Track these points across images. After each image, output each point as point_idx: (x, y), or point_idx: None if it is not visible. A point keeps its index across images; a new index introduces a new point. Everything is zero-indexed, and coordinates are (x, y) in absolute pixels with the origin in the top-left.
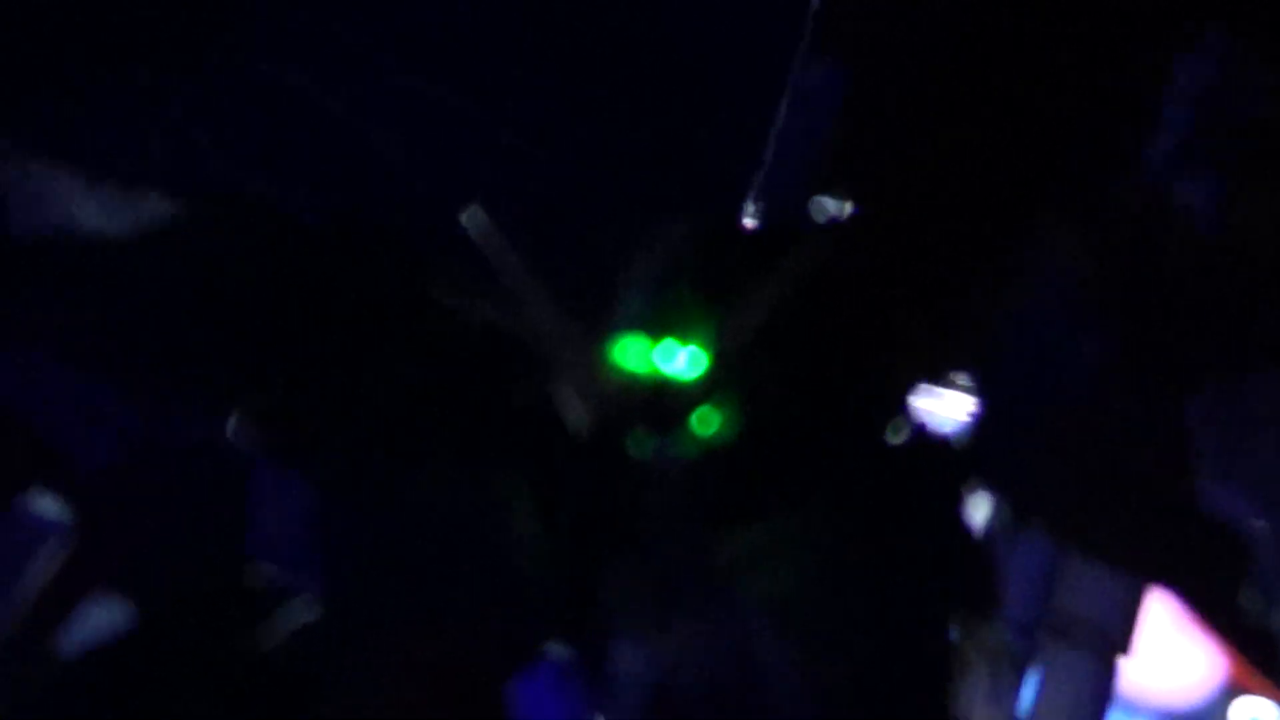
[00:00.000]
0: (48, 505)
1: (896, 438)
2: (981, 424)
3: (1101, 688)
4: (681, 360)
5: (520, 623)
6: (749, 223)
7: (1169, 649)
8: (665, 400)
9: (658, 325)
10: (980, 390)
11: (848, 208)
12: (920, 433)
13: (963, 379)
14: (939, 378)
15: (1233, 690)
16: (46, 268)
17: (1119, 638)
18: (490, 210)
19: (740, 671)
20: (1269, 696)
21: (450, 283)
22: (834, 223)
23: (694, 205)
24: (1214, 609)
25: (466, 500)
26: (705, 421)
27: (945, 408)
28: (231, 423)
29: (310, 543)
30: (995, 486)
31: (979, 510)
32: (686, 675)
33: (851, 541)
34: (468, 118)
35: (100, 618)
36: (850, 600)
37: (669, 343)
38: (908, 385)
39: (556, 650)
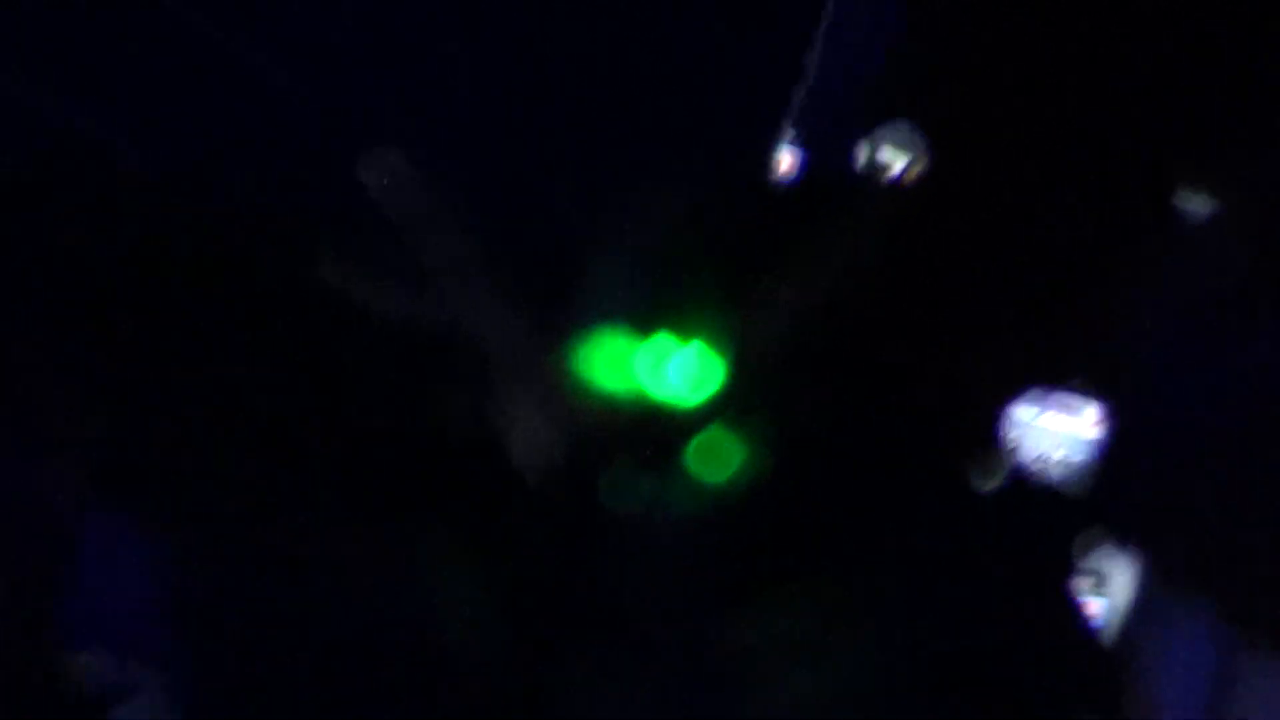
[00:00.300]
0: None
1: (987, 481)
2: (1111, 460)
3: None
4: (682, 371)
5: None
6: (780, 174)
7: None
8: (658, 427)
9: (648, 321)
10: (1108, 412)
11: (914, 153)
12: (1021, 474)
13: (1082, 396)
14: (1048, 394)
15: None
16: None
17: None
18: (404, 158)
19: None
20: None
21: (350, 263)
22: (895, 175)
23: (702, 152)
24: None
25: (376, 567)
26: (714, 458)
27: (1057, 438)
28: (50, 460)
29: (157, 621)
30: (1134, 548)
31: (1112, 584)
32: None
33: (924, 630)
34: (381, 42)
35: None
36: (923, 715)
37: (664, 346)
38: (1003, 406)
39: None
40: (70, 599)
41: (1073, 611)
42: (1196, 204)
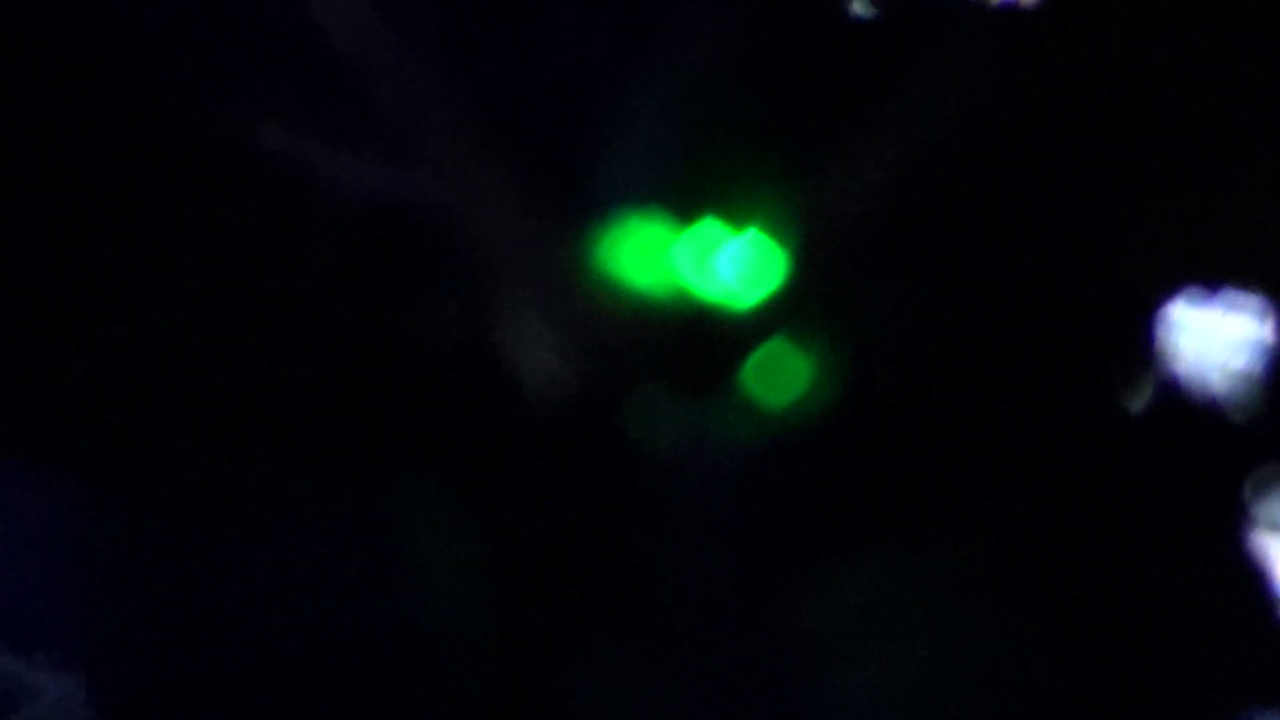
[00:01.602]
0: None
1: (1132, 400)
2: None
3: None
4: (733, 263)
5: None
6: (857, 7)
7: None
8: (702, 338)
9: (689, 199)
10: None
11: None
12: (1177, 390)
13: (1254, 290)
14: (1211, 288)
15: None
16: None
17: None
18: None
19: None
20: None
21: (302, 128)
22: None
23: None
24: None
25: (342, 530)
26: (774, 378)
27: (1223, 342)
28: None
29: (68, 609)
30: None
31: None
32: None
33: (1048, 605)
34: None
35: None
36: (1044, 709)
37: (710, 232)
38: (1153, 302)
39: None
40: None
41: (1249, 575)
42: None
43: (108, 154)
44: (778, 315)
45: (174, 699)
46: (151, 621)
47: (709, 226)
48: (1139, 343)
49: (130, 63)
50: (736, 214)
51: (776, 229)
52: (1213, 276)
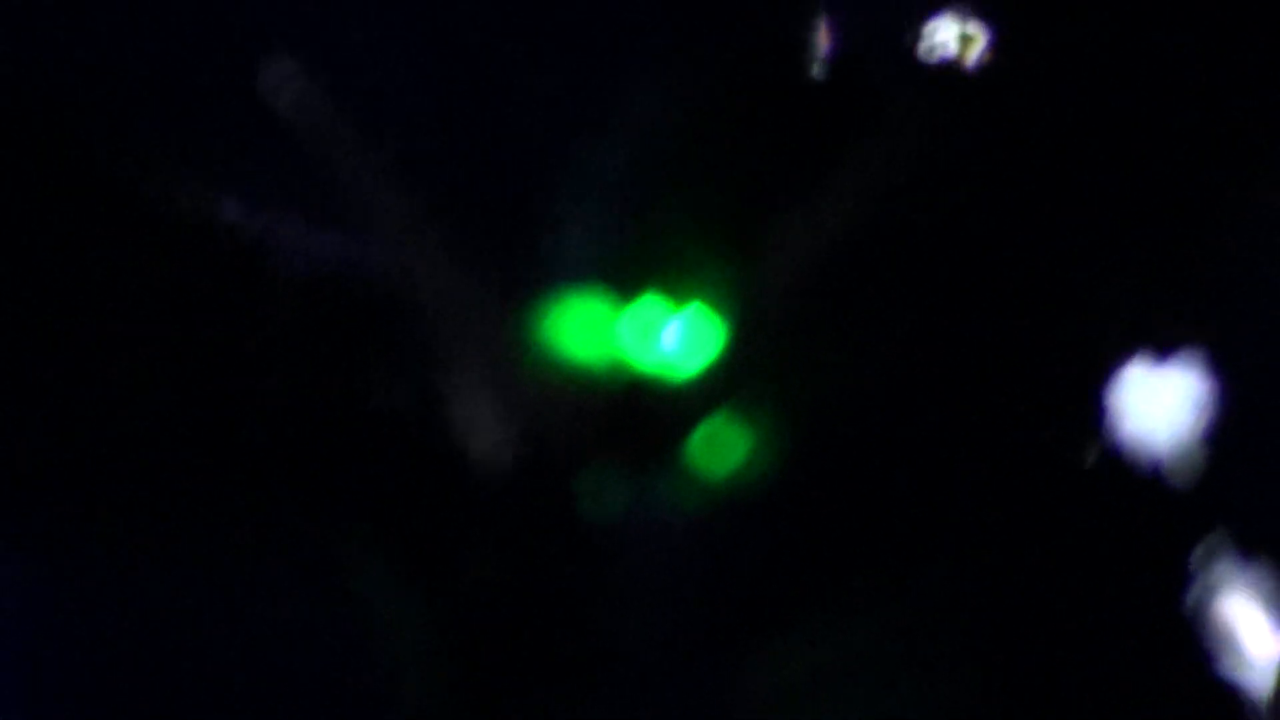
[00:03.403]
0: None
1: (1076, 462)
2: (1234, 433)
3: None
4: (675, 336)
5: None
6: (813, 70)
7: None
8: (645, 410)
9: (632, 273)
10: (1225, 374)
11: (980, 38)
12: (1121, 454)
13: (1193, 354)
14: (1152, 352)
15: None
16: None
17: None
18: (320, 70)
19: None
20: None
21: (253, 191)
22: (956, 69)
23: (699, 44)
24: None
25: (293, 598)
26: (717, 448)
27: (1163, 407)
28: None
29: (23, 668)
30: (1259, 543)
31: (1245, 596)
32: None
33: (988, 668)
34: None
35: None
36: None
37: (652, 306)
38: (1095, 369)
39: None
40: None
41: (1194, 644)
42: None
43: (83, 224)
44: (717, 386)
45: None
46: (98, 676)
47: (650, 301)
48: (1089, 404)
49: (109, 141)
50: (677, 289)
51: (716, 303)
52: (1160, 343)
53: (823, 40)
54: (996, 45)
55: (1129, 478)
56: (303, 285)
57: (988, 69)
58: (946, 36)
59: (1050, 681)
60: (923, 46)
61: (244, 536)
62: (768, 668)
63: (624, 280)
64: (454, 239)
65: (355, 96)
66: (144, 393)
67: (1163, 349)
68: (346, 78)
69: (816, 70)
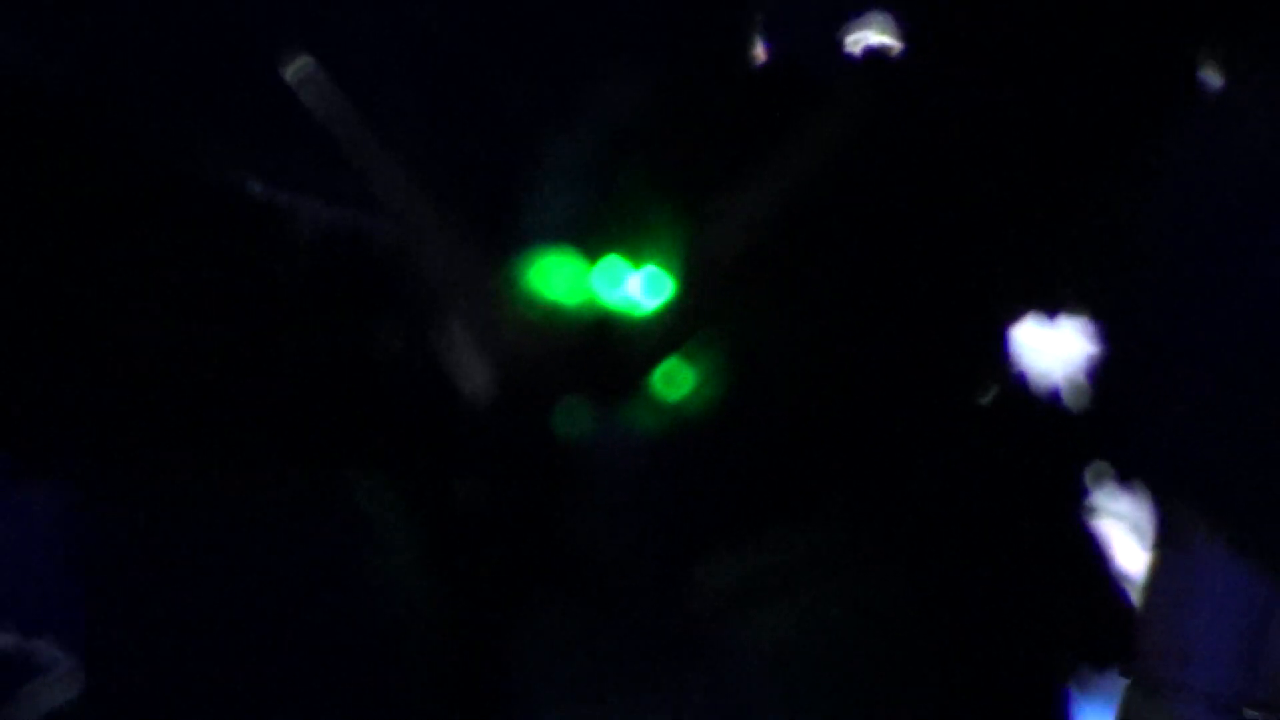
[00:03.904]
0: None
1: (979, 399)
2: (1120, 373)
3: None
4: (636, 285)
5: (393, 706)
6: (752, 59)
7: None
8: (610, 348)
9: (598, 228)
10: (1116, 321)
11: (893, 42)
12: (1018, 391)
13: (1084, 306)
14: (1047, 304)
15: None
16: None
17: None
18: (330, 59)
19: None
20: None
21: (271, 169)
22: (879, 59)
23: (656, 42)
24: None
25: (307, 519)
26: (673, 380)
27: (1056, 350)
28: None
29: (62, 591)
30: (1145, 477)
31: (1120, 517)
32: None
33: (909, 568)
34: None
35: None
36: (908, 659)
37: (615, 260)
38: (996, 318)
39: None
40: None
41: (1086, 547)
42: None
43: (131, 202)
44: (670, 329)
45: (159, 673)
46: (141, 608)
47: (614, 260)
48: (990, 354)
49: (155, 132)
50: (636, 250)
51: (668, 261)
52: (1053, 302)
53: (760, 42)
54: (912, 44)
55: (1028, 411)
56: (318, 250)
57: (905, 64)
58: (869, 35)
59: (958, 574)
60: (849, 43)
61: (269, 467)
62: (718, 567)
63: (592, 242)
64: (446, 210)
65: (361, 88)
66: (180, 348)
67: (1055, 308)
68: (354, 71)
69: (755, 67)
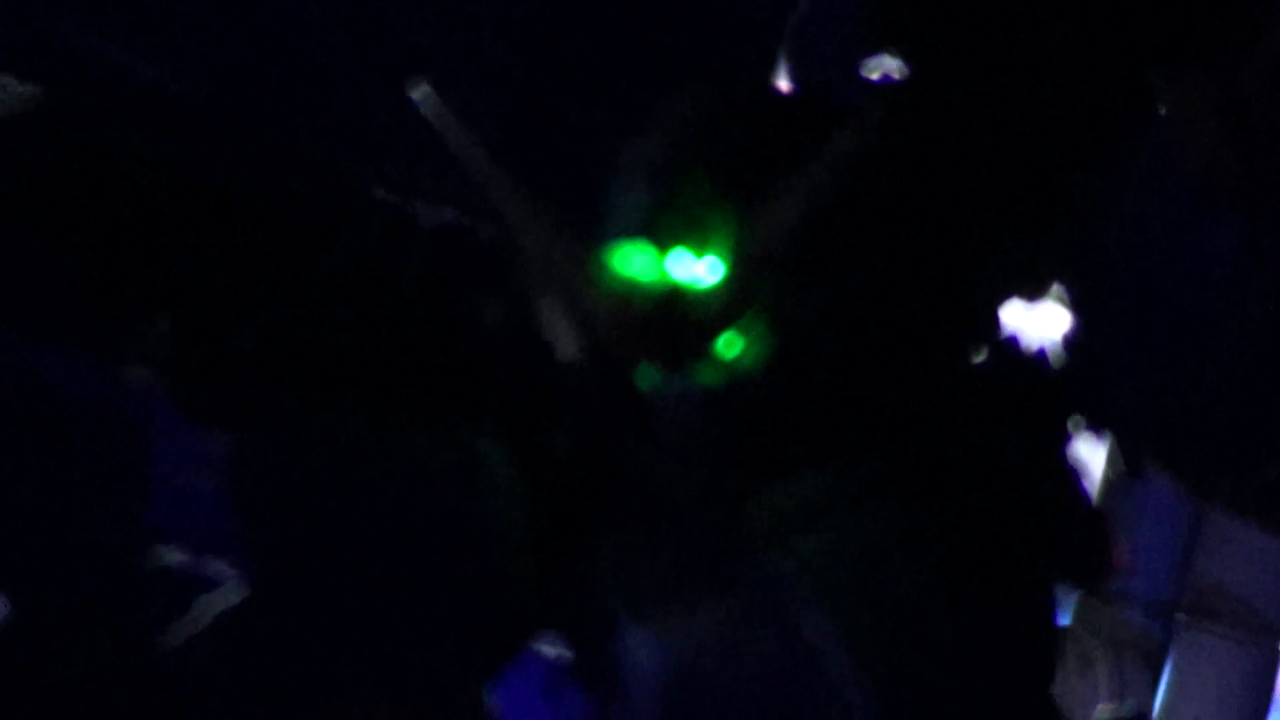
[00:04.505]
0: None
1: (975, 359)
2: (1089, 344)
3: (1258, 680)
4: (697, 267)
5: (500, 613)
6: (781, 86)
7: None
8: (677, 320)
9: (666, 224)
10: (1086, 302)
11: (899, 75)
12: (1008, 354)
13: (1061, 289)
14: (1031, 289)
15: None
16: None
17: (1278, 615)
18: (445, 85)
19: (782, 667)
20: None
21: (396, 179)
22: (891, 87)
23: (708, 66)
24: None
25: (428, 457)
26: (730, 344)
27: (1039, 324)
28: (131, 368)
29: (231, 519)
30: (1109, 423)
31: (1089, 456)
32: (712, 673)
33: (923, 497)
34: None
35: None
36: (924, 573)
37: (680, 247)
38: (990, 297)
39: (548, 647)
40: (158, 506)
41: (1060, 480)
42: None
43: (289, 208)
44: (729, 301)
45: (307, 586)
46: (298, 530)
47: (679, 248)
48: (984, 324)
49: (309, 150)
50: (699, 238)
51: (724, 250)
52: (1037, 283)
53: (787, 70)
54: (918, 74)
55: (1016, 370)
56: (436, 244)
57: (914, 90)
58: (884, 65)
59: (960, 504)
60: (868, 70)
61: (399, 416)
62: (766, 498)
63: (661, 234)
64: (543, 209)
65: (474, 108)
66: (326, 326)
67: (1039, 291)
68: (467, 94)
69: (791, 92)
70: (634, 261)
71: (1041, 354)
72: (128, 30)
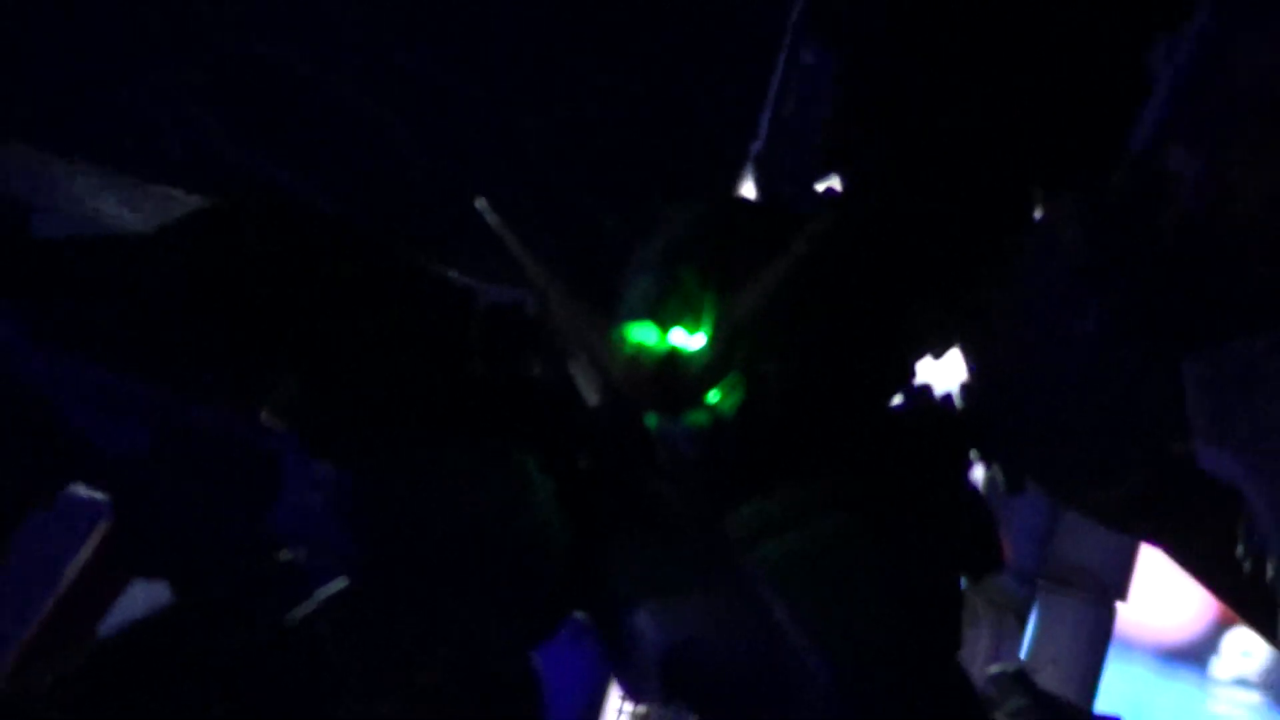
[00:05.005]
0: (84, 493)
1: (897, 403)
2: (982, 394)
3: (1099, 632)
4: (689, 338)
5: (541, 594)
6: (751, 195)
7: (1163, 590)
8: (675, 375)
9: (666, 306)
10: (981, 363)
11: (847, 185)
12: (922, 399)
13: (963, 352)
14: (939, 349)
15: (1224, 624)
16: (72, 265)
17: (1115, 582)
18: (500, 201)
19: (756, 640)
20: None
21: (465, 267)
22: (835, 200)
23: (695, 185)
24: (1206, 563)
25: (490, 485)
26: (714, 395)
27: (946, 377)
28: (265, 411)
29: (339, 528)
30: (994, 452)
31: (983, 475)
32: (703, 644)
33: (860, 507)
34: (478, 107)
35: (140, 597)
36: (861, 563)
37: (677, 324)
38: (907, 357)
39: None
40: (284, 518)
41: (961, 490)
42: (1051, 211)
43: (387, 286)
44: (711, 365)
45: (400, 580)
46: (385, 534)
47: (677, 326)
48: (906, 376)
49: (399, 246)
50: (689, 320)
51: (709, 326)
52: (943, 348)
53: (755, 187)
54: (857, 190)
55: (928, 412)
56: (492, 315)
57: (853, 202)
58: (830, 182)
59: (892, 512)
60: (820, 188)
61: (465, 445)
62: (741, 511)
63: (662, 313)
64: (574, 291)
65: (522, 217)
66: (413, 373)
67: (944, 348)
68: (515, 206)
69: (758, 203)
70: (642, 333)
71: (947, 399)
72: (274, 152)
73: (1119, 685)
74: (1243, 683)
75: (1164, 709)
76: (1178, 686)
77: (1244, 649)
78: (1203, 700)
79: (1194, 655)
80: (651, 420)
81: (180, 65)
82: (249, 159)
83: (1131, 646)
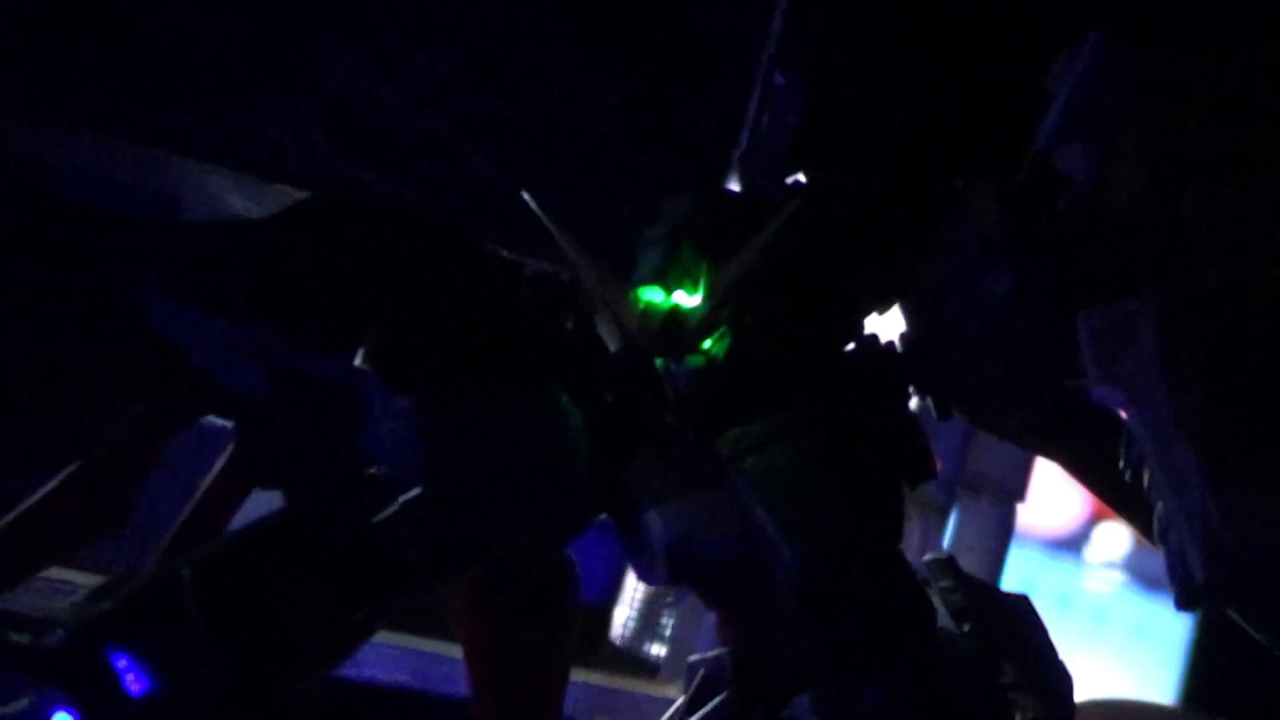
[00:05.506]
0: (216, 422)
1: (849, 349)
2: (916, 342)
3: (1004, 527)
4: (689, 299)
5: (573, 502)
6: (735, 188)
7: (1049, 493)
8: (678, 328)
9: (669, 274)
10: (916, 318)
11: (810, 179)
12: (869, 347)
13: (901, 309)
14: (882, 307)
15: (1096, 519)
16: (208, 244)
17: (1016, 488)
18: (540, 196)
19: (741, 534)
20: (1124, 523)
21: (514, 245)
22: (801, 190)
23: (691, 180)
24: (1093, 474)
25: (532, 416)
26: (709, 343)
27: (887, 329)
28: (357, 357)
29: (414, 450)
30: (926, 387)
31: (916, 402)
32: (699, 538)
33: (821, 429)
34: (524, 129)
35: (261, 502)
36: (822, 473)
37: (679, 287)
38: (858, 312)
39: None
40: (370, 440)
41: (901, 416)
42: (971, 198)
43: (453, 269)
44: (703, 320)
45: (464, 490)
46: (453, 457)
47: (679, 289)
48: (855, 330)
49: (465, 235)
50: (688, 283)
51: (704, 288)
52: (884, 307)
53: (740, 180)
54: (819, 183)
55: (874, 356)
56: (535, 282)
57: (815, 192)
58: (796, 177)
59: (850, 436)
60: (790, 180)
61: (515, 387)
62: (729, 434)
63: (666, 278)
64: (600, 260)
65: (559, 205)
66: (474, 330)
67: (886, 305)
68: (553, 197)
69: (740, 193)
70: (651, 295)
71: (890, 345)
72: (369, 163)
73: (1017, 568)
74: (1110, 565)
75: (1050, 586)
76: (1060, 568)
77: (1111, 539)
78: (1079, 578)
79: (1072, 544)
80: (659, 363)
81: (298, 94)
82: (348, 168)
83: (1026, 537)
